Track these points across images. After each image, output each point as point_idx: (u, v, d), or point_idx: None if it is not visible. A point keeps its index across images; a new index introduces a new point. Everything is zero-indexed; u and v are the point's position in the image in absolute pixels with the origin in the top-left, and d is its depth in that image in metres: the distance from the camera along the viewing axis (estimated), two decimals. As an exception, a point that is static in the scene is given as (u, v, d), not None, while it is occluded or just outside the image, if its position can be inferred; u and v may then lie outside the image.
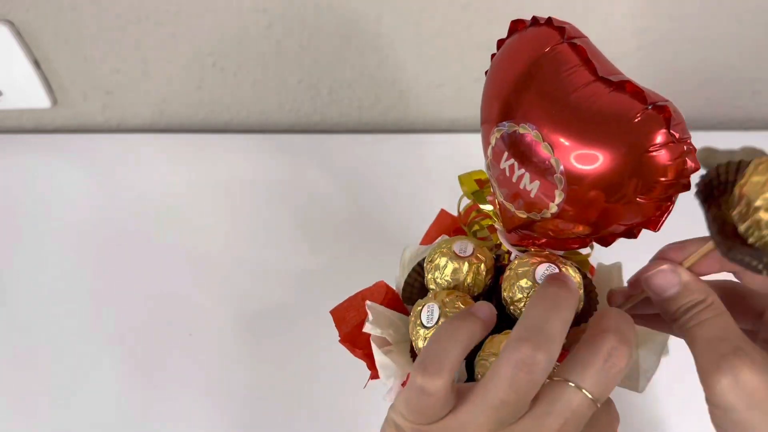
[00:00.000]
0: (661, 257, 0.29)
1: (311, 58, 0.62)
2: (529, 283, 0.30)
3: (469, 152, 0.63)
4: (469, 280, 0.33)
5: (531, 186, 0.28)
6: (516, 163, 0.28)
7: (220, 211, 0.60)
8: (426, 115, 0.68)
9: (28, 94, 0.63)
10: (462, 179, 0.39)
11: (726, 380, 0.24)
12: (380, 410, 0.36)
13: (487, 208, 0.37)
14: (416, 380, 0.25)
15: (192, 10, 0.57)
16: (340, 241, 0.58)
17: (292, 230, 0.59)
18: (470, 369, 0.31)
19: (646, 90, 0.25)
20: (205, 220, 0.59)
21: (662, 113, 0.25)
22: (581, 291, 0.31)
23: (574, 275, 0.30)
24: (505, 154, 0.29)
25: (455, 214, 0.41)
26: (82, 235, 0.58)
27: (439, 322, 0.30)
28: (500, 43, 0.31)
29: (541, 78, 0.27)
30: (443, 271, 0.33)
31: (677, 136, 0.25)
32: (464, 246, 0.34)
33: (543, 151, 0.27)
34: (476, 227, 0.39)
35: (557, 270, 0.30)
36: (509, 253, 0.34)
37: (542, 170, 0.27)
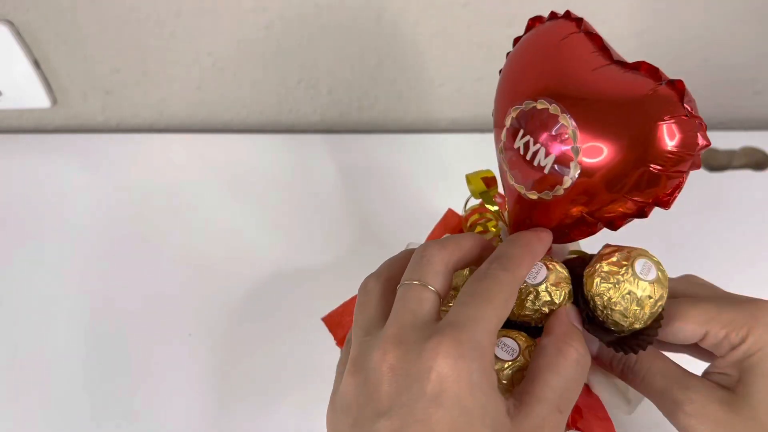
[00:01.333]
0: None
1: (311, 58, 0.62)
2: None
3: (470, 152, 0.63)
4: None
5: (546, 161, 0.29)
6: (531, 140, 0.29)
7: (220, 211, 0.60)
8: (426, 115, 0.68)
9: (28, 94, 0.63)
10: (469, 178, 0.39)
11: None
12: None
13: (494, 209, 0.37)
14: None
15: (192, 10, 0.57)
16: (339, 241, 0.58)
17: (292, 230, 0.59)
18: None
19: (661, 70, 0.27)
20: (205, 219, 0.59)
21: (674, 89, 0.26)
22: (569, 287, 0.31)
23: (561, 271, 0.31)
24: (521, 132, 0.30)
25: (461, 213, 0.40)
26: (81, 235, 0.58)
27: None
28: (516, 41, 0.32)
29: (560, 58, 0.29)
30: None
31: (690, 109, 0.26)
32: None
33: (561, 122, 0.28)
34: (479, 228, 0.39)
35: (544, 267, 0.30)
36: None
37: (560, 142, 0.28)
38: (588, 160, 0.27)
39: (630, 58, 0.29)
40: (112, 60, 0.62)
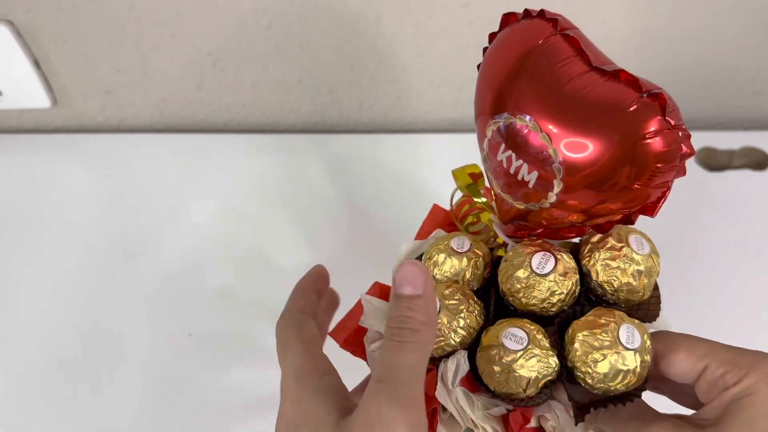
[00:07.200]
0: None
1: (311, 58, 0.62)
2: (527, 272, 0.30)
3: (469, 152, 0.63)
4: (468, 275, 0.33)
5: (529, 176, 0.29)
6: (513, 155, 0.29)
7: (220, 211, 0.60)
8: (426, 115, 0.68)
9: (28, 94, 0.63)
10: (456, 173, 0.39)
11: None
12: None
13: (482, 201, 0.37)
14: None
15: (192, 10, 0.57)
16: (339, 241, 0.58)
17: (291, 230, 0.59)
18: (473, 361, 0.31)
19: (641, 79, 0.26)
20: (205, 219, 0.59)
21: (657, 101, 0.26)
22: (576, 276, 0.31)
23: (568, 261, 0.31)
24: (502, 146, 0.29)
25: (447, 208, 0.40)
26: (81, 235, 0.58)
27: (440, 315, 0.31)
28: (492, 36, 0.31)
29: (536, 69, 0.28)
30: (442, 267, 0.33)
31: (672, 122, 0.26)
32: (461, 242, 0.34)
33: (541, 141, 0.27)
34: (471, 218, 0.39)
35: (552, 258, 0.30)
36: (505, 245, 0.35)
37: (540, 160, 0.28)
38: (570, 177, 0.27)
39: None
40: (112, 60, 0.62)
